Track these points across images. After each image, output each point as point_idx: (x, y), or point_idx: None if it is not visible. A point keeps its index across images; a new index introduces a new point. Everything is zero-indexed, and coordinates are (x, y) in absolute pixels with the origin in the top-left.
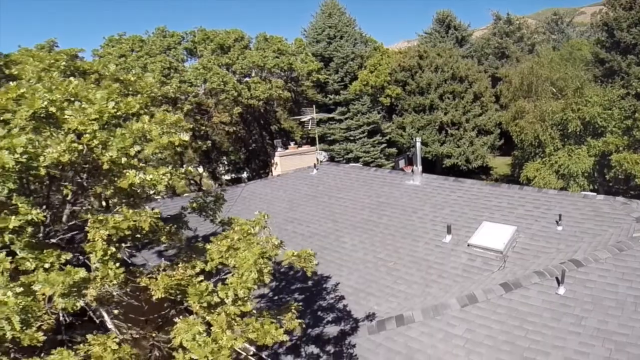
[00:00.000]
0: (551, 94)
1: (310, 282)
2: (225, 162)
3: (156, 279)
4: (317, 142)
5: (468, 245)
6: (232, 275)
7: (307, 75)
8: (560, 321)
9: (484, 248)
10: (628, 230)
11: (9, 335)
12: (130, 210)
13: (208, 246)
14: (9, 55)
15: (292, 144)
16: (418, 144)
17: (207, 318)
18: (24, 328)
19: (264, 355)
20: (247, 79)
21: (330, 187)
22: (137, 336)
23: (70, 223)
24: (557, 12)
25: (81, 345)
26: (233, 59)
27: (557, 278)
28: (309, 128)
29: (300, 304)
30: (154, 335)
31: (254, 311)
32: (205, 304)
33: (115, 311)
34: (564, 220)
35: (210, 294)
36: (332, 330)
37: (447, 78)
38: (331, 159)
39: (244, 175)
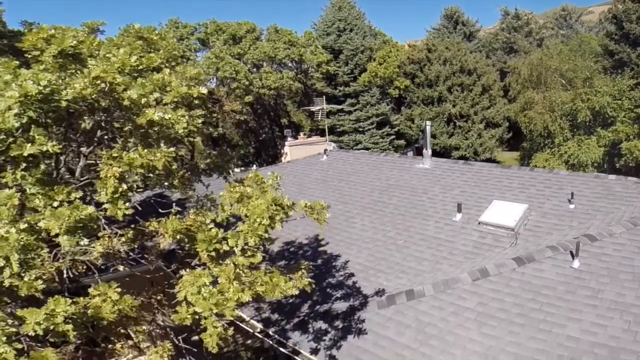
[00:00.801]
0: (560, 85)
1: (319, 261)
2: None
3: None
4: (327, 133)
5: (479, 223)
6: (244, 224)
7: (317, 66)
8: (575, 294)
9: (495, 225)
10: None
11: (6, 282)
12: (145, 150)
13: (221, 193)
14: (32, 23)
15: (301, 134)
16: (428, 128)
17: (215, 270)
18: (23, 271)
19: (270, 332)
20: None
21: (339, 172)
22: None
23: (84, 178)
24: (565, 7)
25: (81, 298)
26: (245, 49)
27: (571, 252)
28: (319, 119)
29: (311, 263)
30: (158, 297)
31: (263, 267)
32: (213, 253)
33: (121, 268)
34: (576, 199)
35: (220, 241)
36: (340, 306)
37: (455, 71)
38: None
39: (253, 167)
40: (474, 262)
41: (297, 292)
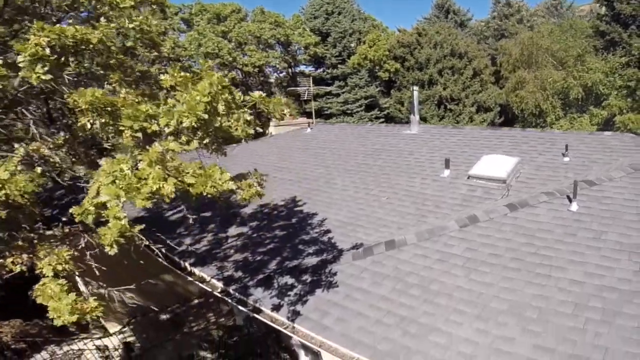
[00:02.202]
0: (552, 65)
1: (294, 219)
2: None
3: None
4: (314, 116)
5: (468, 177)
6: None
7: (304, 48)
8: (575, 236)
9: (485, 178)
10: None
11: None
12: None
13: (162, 77)
14: None
15: (287, 114)
16: (415, 93)
17: (139, 157)
18: None
19: (231, 290)
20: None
21: (323, 141)
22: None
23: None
24: None
25: None
26: (229, 27)
27: (568, 196)
28: (305, 98)
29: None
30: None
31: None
32: (139, 134)
33: (38, 170)
34: (571, 152)
35: (149, 119)
36: (311, 260)
37: (446, 54)
38: None
39: (234, 146)
40: (463, 213)
41: (234, 187)
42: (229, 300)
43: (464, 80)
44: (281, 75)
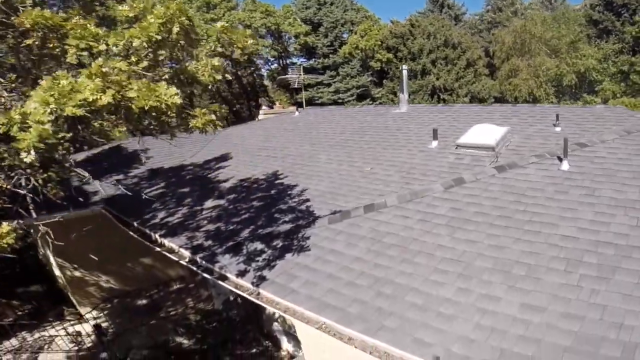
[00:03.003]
0: (544, 53)
1: (273, 191)
2: None
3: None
4: (305, 106)
5: (457, 147)
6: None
7: (295, 37)
8: (567, 193)
9: (473, 147)
10: (634, 124)
11: None
12: None
13: (120, 8)
14: None
15: (277, 103)
16: (404, 72)
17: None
18: None
19: (198, 258)
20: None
21: (310, 122)
22: None
23: None
24: None
25: None
26: (219, 15)
27: (558, 156)
28: (296, 86)
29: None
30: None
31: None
32: (85, 53)
33: None
34: (562, 122)
35: (97, 40)
36: (286, 227)
37: (439, 44)
38: None
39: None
40: (449, 178)
41: (179, 102)
42: (195, 269)
43: (458, 71)
44: (272, 67)
